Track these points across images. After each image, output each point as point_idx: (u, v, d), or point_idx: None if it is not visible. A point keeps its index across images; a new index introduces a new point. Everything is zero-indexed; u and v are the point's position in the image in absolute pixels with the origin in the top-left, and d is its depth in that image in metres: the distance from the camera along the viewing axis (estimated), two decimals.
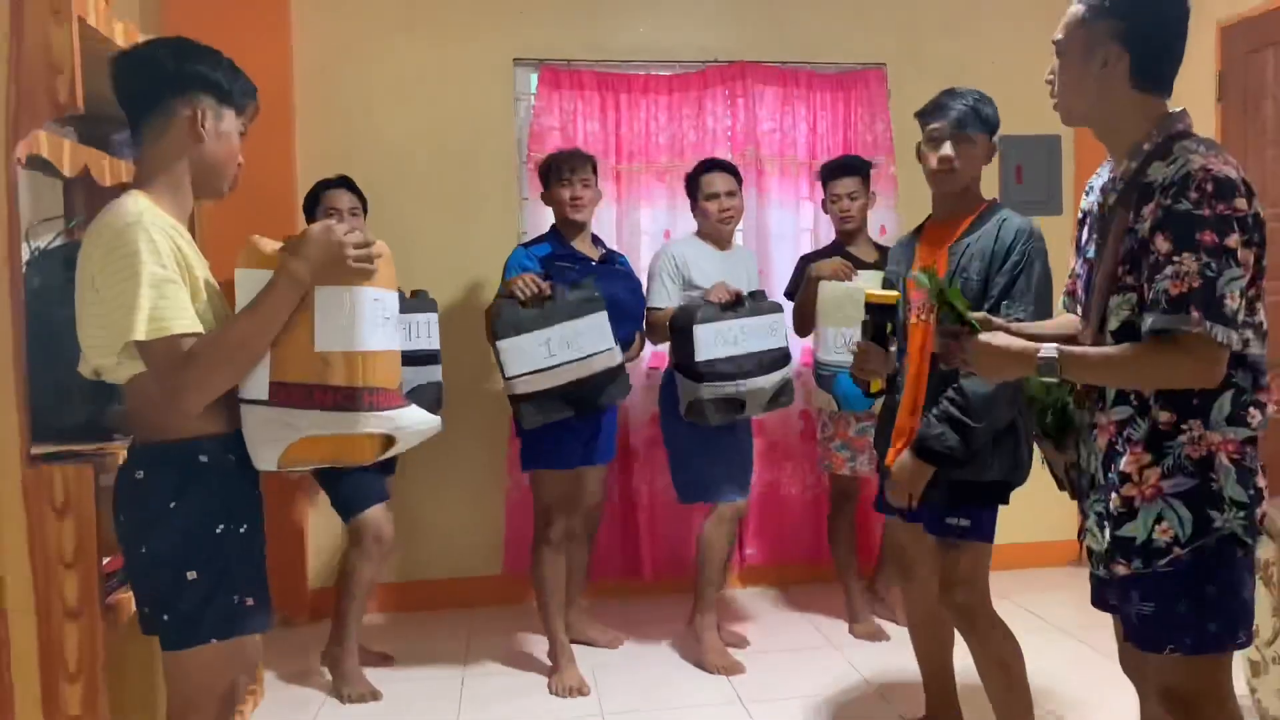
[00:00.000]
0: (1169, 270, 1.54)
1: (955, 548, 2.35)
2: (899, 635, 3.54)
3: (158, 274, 1.58)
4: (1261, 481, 1.66)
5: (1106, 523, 1.71)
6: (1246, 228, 1.54)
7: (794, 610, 3.91)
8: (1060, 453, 2.01)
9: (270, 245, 1.71)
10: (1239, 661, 2.55)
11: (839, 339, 3.34)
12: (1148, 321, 1.57)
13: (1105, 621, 1.91)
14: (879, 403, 3.44)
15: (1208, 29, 3.81)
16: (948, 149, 2.34)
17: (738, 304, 3.19)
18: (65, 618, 1.83)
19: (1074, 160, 4.29)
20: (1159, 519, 1.64)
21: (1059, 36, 1.77)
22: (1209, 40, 3.81)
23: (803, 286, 3.49)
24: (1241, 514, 1.62)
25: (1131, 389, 1.67)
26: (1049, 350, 1.65)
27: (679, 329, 3.18)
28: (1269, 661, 2.48)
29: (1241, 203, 1.54)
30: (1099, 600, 1.86)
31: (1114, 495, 1.69)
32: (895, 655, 3.35)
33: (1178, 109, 1.73)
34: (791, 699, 3.05)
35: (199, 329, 1.62)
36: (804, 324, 3.51)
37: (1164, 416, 1.64)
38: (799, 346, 3.75)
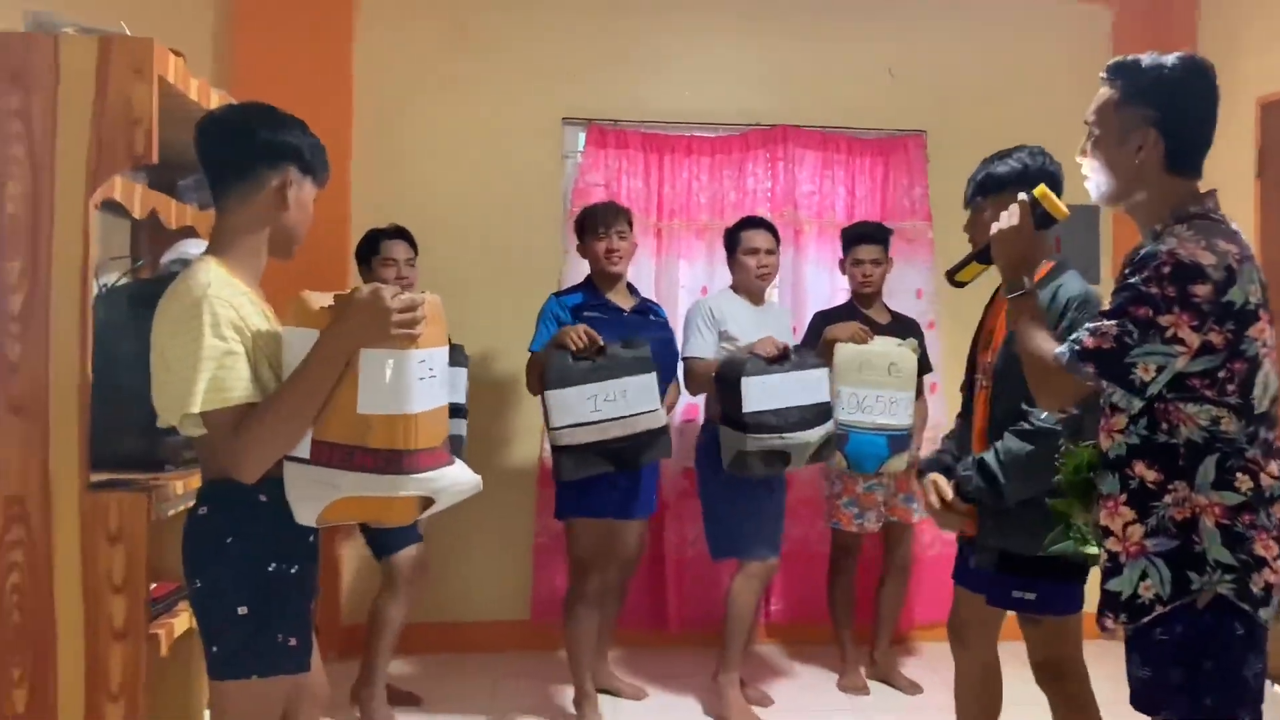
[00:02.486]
0: (1093, 324, 1.69)
1: (1032, 623, 2.33)
2: (924, 699, 3.53)
3: (217, 347, 1.65)
4: (1265, 551, 1.64)
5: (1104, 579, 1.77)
6: (1201, 314, 1.61)
7: (819, 669, 3.89)
8: (1087, 513, 2.00)
9: (318, 301, 1.72)
10: None
11: (853, 400, 3.39)
12: (1063, 347, 1.73)
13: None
14: (886, 464, 3.49)
15: (1247, 105, 3.84)
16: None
17: (784, 358, 3.23)
18: (111, 639, 1.90)
19: (1111, 231, 4.31)
20: (1143, 576, 1.69)
21: (1091, 118, 1.82)
22: (1249, 117, 3.84)
23: (818, 349, 3.52)
24: (1229, 577, 1.64)
25: (1029, 371, 1.85)
26: (1026, 283, 1.88)
27: (726, 381, 3.20)
28: None
29: (1202, 289, 1.61)
30: None
31: (1102, 551, 1.77)
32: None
33: (1207, 190, 1.77)
34: None
35: (254, 398, 1.68)
36: None
37: (1150, 475, 1.70)
38: None
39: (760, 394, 3.14)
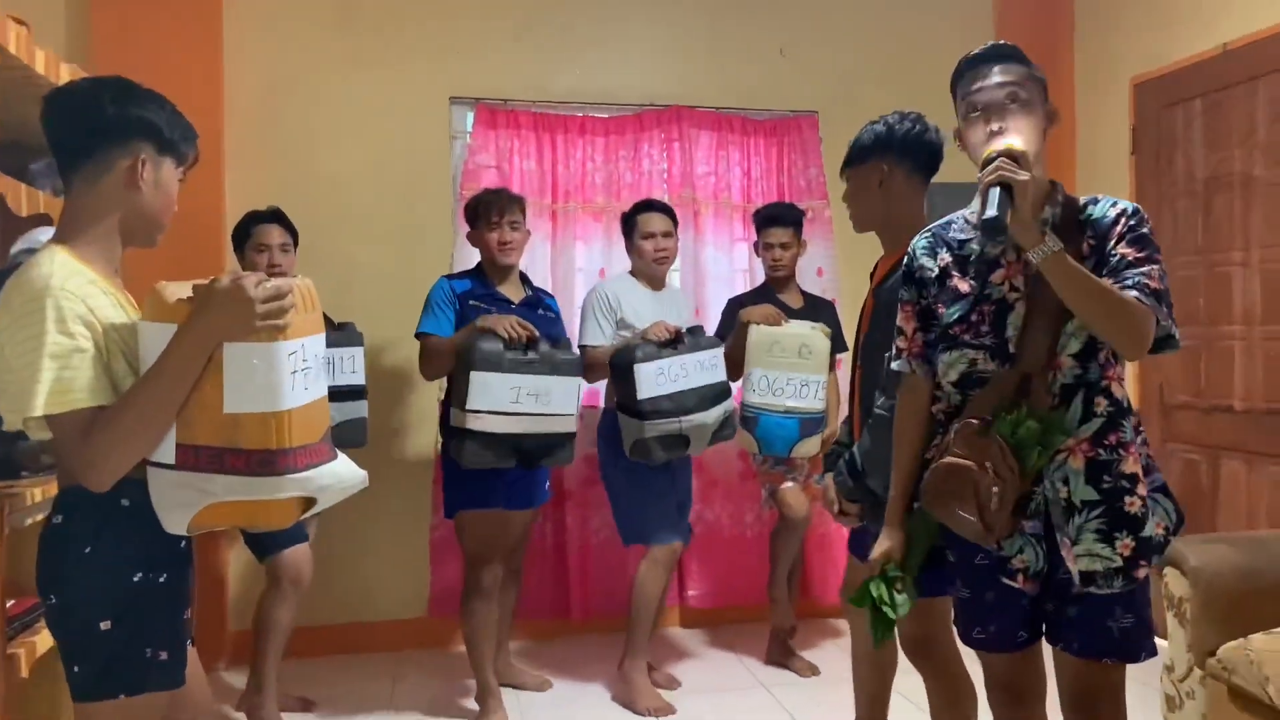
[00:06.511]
0: (1140, 269, 1.69)
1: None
2: (830, 673, 3.56)
3: (62, 344, 1.50)
4: None
5: (1121, 532, 1.72)
6: None
7: (727, 650, 3.90)
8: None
9: (175, 293, 1.57)
10: (1157, 695, 2.63)
11: (764, 382, 3.39)
12: (1131, 292, 1.66)
13: None
14: (797, 447, 3.49)
15: (1122, 85, 3.97)
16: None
17: (677, 341, 3.21)
18: None
19: None
20: (1154, 514, 1.76)
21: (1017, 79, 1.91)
22: (1123, 96, 3.96)
23: (734, 331, 3.52)
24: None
25: (1090, 323, 1.69)
26: (1053, 241, 1.64)
27: (620, 368, 3.17)
28: (1184, 696, 2.53)
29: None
30: (1053, 635, 1.84)
31: (1128, 499, 1.73)
32: (825, 694, 3.36)
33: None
34: None
35: (104, 400, 1.54)
36: (733, 368, 3.49)
37: (1131, 420, 1.78)
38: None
39: (654, 379, 3.12)
